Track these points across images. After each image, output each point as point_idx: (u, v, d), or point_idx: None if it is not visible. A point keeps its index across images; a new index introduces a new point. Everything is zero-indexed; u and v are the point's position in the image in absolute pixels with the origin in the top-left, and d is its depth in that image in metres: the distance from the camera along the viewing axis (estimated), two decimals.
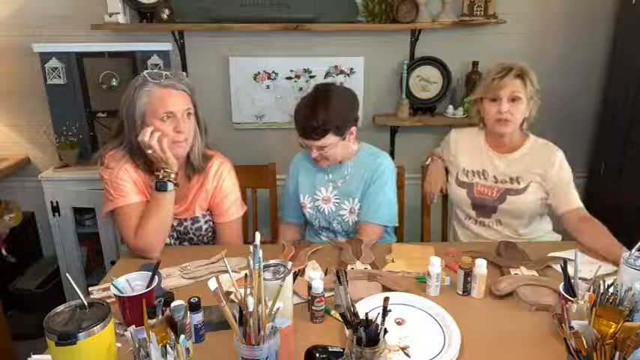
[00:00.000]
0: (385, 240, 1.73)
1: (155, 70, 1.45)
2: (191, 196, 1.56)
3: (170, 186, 1.40)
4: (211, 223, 1.62)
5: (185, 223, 1.57)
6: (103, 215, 1.52)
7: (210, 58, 2.43)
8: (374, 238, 1.61)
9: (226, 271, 0.91)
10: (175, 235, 1.58)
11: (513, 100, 1.60)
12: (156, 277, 1.08)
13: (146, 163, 1.47)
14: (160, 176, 1.40)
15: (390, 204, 1.69)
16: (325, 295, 1.12)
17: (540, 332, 1.09)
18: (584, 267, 1.29)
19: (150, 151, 1.39)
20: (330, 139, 1.56)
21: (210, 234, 1.63)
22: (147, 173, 1.48)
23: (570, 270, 1.10)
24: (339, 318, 0.93)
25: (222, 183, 1.59)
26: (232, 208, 1.61)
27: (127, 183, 1.46)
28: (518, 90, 1.59)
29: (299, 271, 1.33)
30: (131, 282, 1.09)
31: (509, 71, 1.60)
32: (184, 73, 1.52)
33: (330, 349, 0.91)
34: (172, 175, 1.41)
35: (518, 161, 1.69)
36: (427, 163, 1.92)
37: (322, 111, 1.53)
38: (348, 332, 0.86)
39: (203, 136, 1.54)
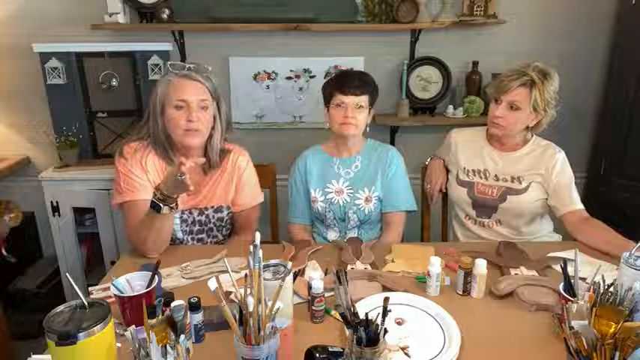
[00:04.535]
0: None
1: (178, 62, 1.52)
2: (206, 189, 1.58)
3: (165, 209, 1.34)
4: (232, 214, 1.65)
5: (207, 212, 1.59)
6: (112, 205, 1.55)
7: (210, 58, 2.43)
8: (402, 227, 1.75)
9: (226, 271, 0.90)
10: (191, 230, 1.58)
11: (512, 107, 1.59)
12: (156, 277, 1.08)
13: (167, 153, 1.51)
14: (160, 197, 1.33)
15: (408, 189, 1.76)
16: (325, 295, 1.12)
17: (540, 332, 1.09)
18: (584, 267, 1.30)
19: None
20: (365, 100, 1.66)
21: (229, 225, 1.67)
22: (167, 163, 1.52)
23: (570, 270, 1.10)
24: (339, 318, 0.93)
25: (242, 176, 1.64)
26: (247, 198, 1.66)
27: (138, 178, 1.48)
28: (518, 100, 1.57)
29: (299, 271, 1.33)
30: (131, 282, 1.09)
31: (518, 77, 1.56)
32: (209, 68, 1.54)
33: (330, 349, 0.91)
34: (172, 203, 1.35)
35: (519, 160, 1.69)
36: (427, 162, 1.93)
37: (363, 74, 1.75)
38: (348, 332, 0.86)
39: (223, 131, 1.57)
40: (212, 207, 1.59)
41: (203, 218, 1.59)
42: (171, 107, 1.46)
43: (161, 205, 1.33)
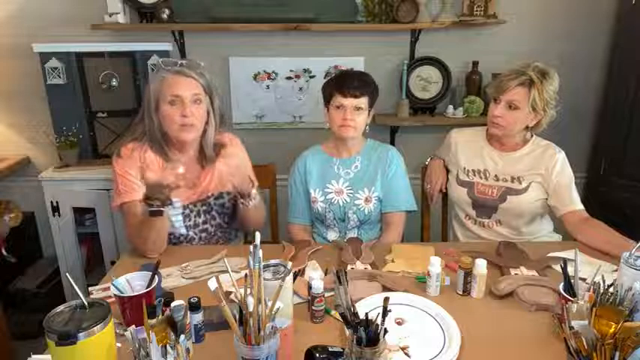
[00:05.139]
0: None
1: (170, 59, 1.54)
2: (205, 182, 1.59)
3: (165, 212, 1.37)
4: (233, 200, 1.64)
5: (208, 200, 1.60)
6: (112, 207, 1.56)
7: (210, 58, 2.43)
8: (402, 227, 1.74)
9: (226, 271, 0.90)
10: (196, 223, 1.59)
11: (510, 107, 1.59)
12: (156, 277, 1.08)
13: (163, 150, 1.52)
14: (154, 205, 1.34)
15: (408, 189, 1.76)
16: (325, 295, 1.12)
17: (540, 332, 1.10)
18: (584, 267, 1.30)
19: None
20: (365, 101, 1.65)
21: (229, 210, 1.66)
22: (164, 160, 1.53)
23: (570, 270, 1.10)
24: (339, 318, 0.93)
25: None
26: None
27: (135, 180, 1.48)
28: (517, 99, 1.57)
29: (299, 271, 1.33)
30: (131, 282, 1.09)
31: (517, 76, 1.56)
32: (201, 63, 1.55)
33: (330, 349, 0.91)
34: (168, 202, 1.37)
35: (519, 160, 1.69)
36: (427, 162, 1.93)
37: (363, 74, 1.74)
38: (348, 332, 0.86)
39: (217, 126, 1.58)
40: (212, 195, 1.60)
41: (205, 207, 1.60)
42: (165, 103, 1.47)
43: (162, 209, 1.34)
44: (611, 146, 2.37)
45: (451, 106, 2.47)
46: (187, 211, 1.57)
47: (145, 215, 1.37)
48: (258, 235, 0.90)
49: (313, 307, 1.12)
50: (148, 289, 1.05)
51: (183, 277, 1.32)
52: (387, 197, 1.73)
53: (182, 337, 0.85)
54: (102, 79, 2.32)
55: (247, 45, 2.44)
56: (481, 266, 1.21)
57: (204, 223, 1.61)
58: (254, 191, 1.51)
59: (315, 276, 1.13)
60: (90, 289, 1.26)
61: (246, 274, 0.89)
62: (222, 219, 1.65)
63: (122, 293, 1.05)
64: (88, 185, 2.27)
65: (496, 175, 1.70)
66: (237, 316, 0.84)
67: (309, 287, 1.12)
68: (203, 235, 1.62)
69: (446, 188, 1.84)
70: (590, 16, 2.44)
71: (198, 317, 1.03)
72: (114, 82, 2.33)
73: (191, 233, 1.59)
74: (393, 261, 1.41)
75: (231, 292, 1.17)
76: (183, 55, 2.42)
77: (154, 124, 1.51)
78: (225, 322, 0.86)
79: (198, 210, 1.59)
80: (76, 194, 2.29)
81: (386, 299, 0.85)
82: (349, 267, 1.36)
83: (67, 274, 1.22)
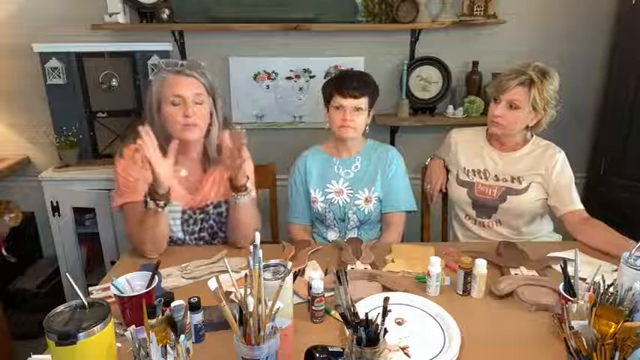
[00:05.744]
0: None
1: (171, 59, 1.53)
2: (207, 187, 1.58)
3: (151, 204, 1.37)
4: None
5: (207, 209, 1.59)
6: (113, 208, 1.55)
7: (210, 58, 2.42)
8: (402, 227, 1.75)
9: (226, 271, 0.91)
10: (193, 230, 1.58)
11: (511, 106, 1.60)
12: (156, 277, 1.08)
13: (166, 151, 1.50)
14: (149, 196, 1.38)
15: (408, 189, 1.77)
16: (325, 295, 1.12)
17: (540, 332, 1.10)
18: (584, 267, 1.30)
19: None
20: (365, 102, 1.65)
21: (227, 220, 1.63)
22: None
23: (570, 270, 1.10)
24: (339, 318, 0.93)
25: None
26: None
27: (136, 180, 1.48)
28: (517, 99, 1.57)
29: (299, 271, 1.33)
30: (131, 282, 1.09)
31: (517, 76, 1.57)
32: (202, 63, 1.55)
33: (330, 349, 0.91)
34: (160, 200, 1.38)
35: (519, 160, 1.69)
36: (427, 162, 1.93)
37: (362, 74, 1.74)
38: (348, 332, 0.86)
39: (220, 127, 1.56)
40: (212, 203, 1.59)
41: (203, 215, 1.59)
42: (167, 104, 1.46)
43: (147, 199, 1.35)
44: (611, 146, 2.37)
45: (451, 106, 2.47)
46: (186, 216, 1.56)
47: (142, 209, 1.38)
48: (258, 235, 0.90)
49: (313, 307, 1.12)
50: (148, 289, 1.05)
51: (183, 277, 1.32)
52: (387, 197, 1.73)
53: (182, 337, 0.85)
54: (102, 79, 2.32)
55: (247, 45, 2.44)
56: (481, 266, 1.21)
57: (201, 231, 1.60)
58: (249, 184, 1.50)
59: (315, 276, 1.13)
60: (90, 289, 1.26)
61: (246, 274, 0.89)
62: (219, 228, 1.63)
63: (122, 293, 1.05)
64: (88, 185, 2.27)
65: (496, 175, 1.70)
66: (237, 316, 0.84)
67: (309, 287, 1.12)
68: (200, 243, 1.61)
69: (446, 188, 1.85)
70: (590, 16, 2.44)
71: (198, 317, 1.03)
72: (114, 82, 2.33)
73: (187, 239, 1.59)
74: (393, 261, 1.41)
75: (231, 292, 1.17)
76: (183, 55, 2.42)
77: (157, 126, 1.49)
78: (225, 322, 0.86)
79: (195, 218, 1.58)
80: (76, 194, 2.29)
81: (386, 299, 0.85)
82: (349, 267, 1.36)
83: (67, 274, 1.23)
